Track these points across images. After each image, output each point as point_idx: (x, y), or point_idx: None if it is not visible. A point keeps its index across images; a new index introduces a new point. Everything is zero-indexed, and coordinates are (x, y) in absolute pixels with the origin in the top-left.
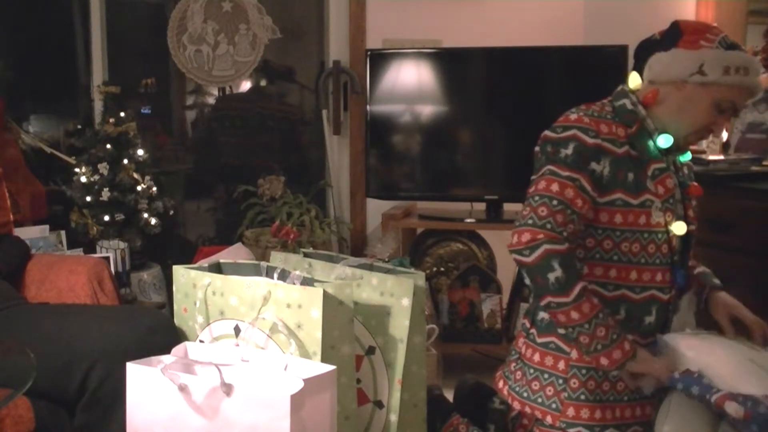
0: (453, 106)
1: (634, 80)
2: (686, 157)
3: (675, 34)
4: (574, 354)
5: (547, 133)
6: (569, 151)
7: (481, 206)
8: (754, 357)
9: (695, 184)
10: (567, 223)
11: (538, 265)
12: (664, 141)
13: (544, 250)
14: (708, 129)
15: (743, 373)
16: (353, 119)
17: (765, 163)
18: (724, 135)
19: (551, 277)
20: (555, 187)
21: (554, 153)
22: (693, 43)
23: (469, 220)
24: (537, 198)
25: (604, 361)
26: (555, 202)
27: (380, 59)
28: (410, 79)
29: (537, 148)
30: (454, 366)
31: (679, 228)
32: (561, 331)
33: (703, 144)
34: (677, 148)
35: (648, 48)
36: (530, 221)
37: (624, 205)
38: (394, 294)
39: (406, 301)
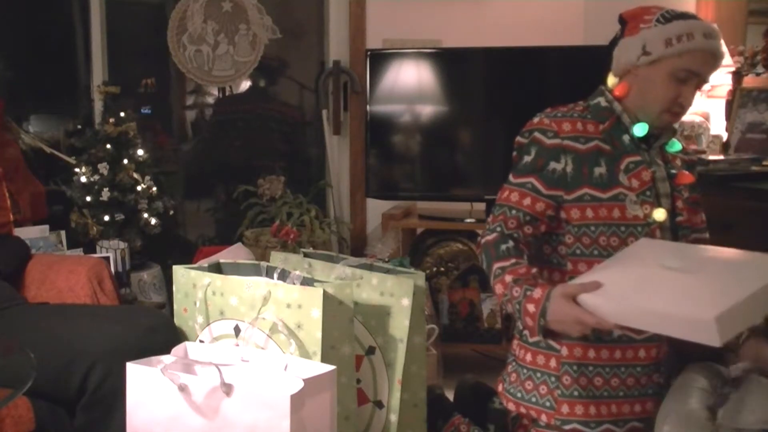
0: (453, 106)
1: (611, 80)
2: (675, 146)
3: (622, 26)
4: (564, 351)
5: (518, 138)
6: (530, 157)
7: (481, 206)
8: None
9: (684, 172)
10: (507, 219)
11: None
12: (640, 130)
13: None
14: (677, 103)
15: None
16: (353, 119)
17: (765, 163)
18: (724, 135)
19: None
20: (504, 194)
21: (518, 160)
22: (634, 29)
23: (469, 220)
24: (492, 210)
25: (529, 321)
26: (497, 209)
27: (380, 59)
28: (410, 79)
29: (514, 153)
30: (454, 366)
31: (658, 215)
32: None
33: (703, 144)
34: (658, 134)
35: (612, 48)
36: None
37: (593, 200)
38: (394, 294)
39: (406, 301)
